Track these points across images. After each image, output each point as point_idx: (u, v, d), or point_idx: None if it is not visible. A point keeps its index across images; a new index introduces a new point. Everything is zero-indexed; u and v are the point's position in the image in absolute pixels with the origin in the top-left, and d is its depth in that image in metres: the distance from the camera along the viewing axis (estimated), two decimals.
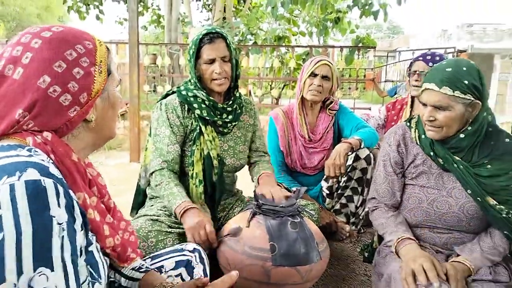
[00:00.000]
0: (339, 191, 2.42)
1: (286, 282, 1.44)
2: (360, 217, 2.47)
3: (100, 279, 0.87)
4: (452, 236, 1.53)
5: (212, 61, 1.84)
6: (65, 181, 0.79)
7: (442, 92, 1.39)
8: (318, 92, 2.37)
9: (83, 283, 0.80)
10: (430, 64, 2.49)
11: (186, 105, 1.91)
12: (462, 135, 1.45)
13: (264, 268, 1.42)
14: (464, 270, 1.38)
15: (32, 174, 0.71)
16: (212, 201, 1.93)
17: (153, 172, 1.83)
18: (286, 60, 8.53)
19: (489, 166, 1.44)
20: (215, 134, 1.92)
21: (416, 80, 2.56)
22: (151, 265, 1.20)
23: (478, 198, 1.42)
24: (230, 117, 1.94)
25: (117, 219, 1.02)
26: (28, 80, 0.80)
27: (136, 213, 1.98)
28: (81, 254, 0.81)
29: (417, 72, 2.56)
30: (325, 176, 2.38)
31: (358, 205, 2.39)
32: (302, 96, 2.44)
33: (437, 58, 2.51)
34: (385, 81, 12.53)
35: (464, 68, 1.39)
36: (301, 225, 1.54)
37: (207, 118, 1.88)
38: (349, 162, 2.30)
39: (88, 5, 11.72)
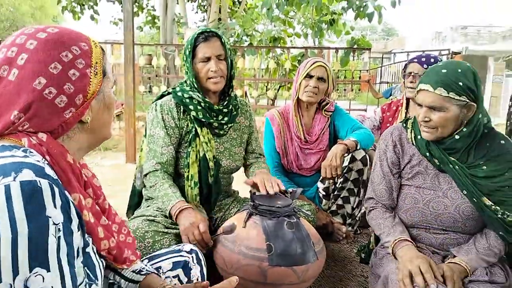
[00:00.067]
0: (335, 192, 2.42)
1: (282, 282, 1.44)
2: (357, 218, 2.48)
3: (97, 280, 0.86)
4: (448, 236, 1.54)
5: (207, 59, 1.84)
6: (60, 182, 0.79)
7: (437, 93, 1.40)
8: (314, 93, 2.37)
9: (80, 284, 0.79)
10: (425, 66, 2.51)
11: (181, 107, 1.91)
12: (457, 137, 1.46)
13: (261, 268, 1.42)
14: (460, 271, 1.39)
15: (27, 174, 0.71)
16: (208, 203, 1.92)
17: (147, 174, 1.83)
18: (281, 61, 8.53)
19: (485, 167, 1.45)
20: (211, 136, 1.92)
21: (411, 82, 2.58)
22: (149, 266, 1.20)
23: (474, 199, 1.43)
24: (226, 118, 1.94)
25: (112, 220, 1.01)
26: (23, 81, 0.80)
27: (132, 214, 1.98)
28: (78, 255, 0.80)
29: (412, 74, 2.57)
30: (321, 177, 2.38)
31: (354, 206, 2.39)
32: (298, 97, 2.44)
33: (432, 60, 2.53)
34: (380, 83, 12.60)
35: (460, 70, 1.40)
36: (298, 225, 1.54)
37: (203, 120, 1.88)
38: (345, 163, 2.31)
39: (83, 5, 11.69)
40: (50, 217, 0.71)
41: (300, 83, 2.40)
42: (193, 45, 1.85)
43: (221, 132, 1.96)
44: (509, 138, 1.52)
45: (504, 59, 16.81)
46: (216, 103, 1.96)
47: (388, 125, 2.80)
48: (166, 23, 11.72)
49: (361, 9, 7.64)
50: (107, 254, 0.95)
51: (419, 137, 1.56)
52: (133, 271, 1.11)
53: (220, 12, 10.66)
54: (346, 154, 2.24)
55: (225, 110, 1.94)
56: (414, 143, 1.59)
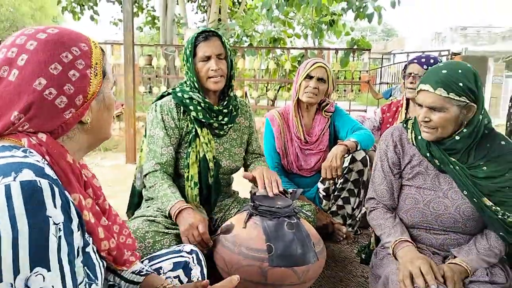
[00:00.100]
0: (335, 193, 2.42)
1: (283, 283, 1.44)
2: (357, 219, 2.47)
3: (97, 280, 0.86)
4: (448, 237, 1.54)
5: (207, 58, 1.84)
6: (60, 182, 0.79)
7: (437, 93, 1.40)
8: (314, 94, 2.37)
9: (80, 284, 0.80)
10: (425, 66, 2.51)
11: (181, 107, 1.91)
12: (457, 137, 1.46)
13: (261, 268, 1.42)
14: (461, 272, 1.39)
15: (27, 174, 0.71)
16: (208, 203, 1.92)
17: (146, 174, 1.83)
18: (281, 62, 8.53)
19: (485, 167, 1.45)
20: (211, 136, 1.92)
21: (411, 83, 2.58)
22: (149, 266, 1.20)
23: (474, 199, 1.43)
24: (226, 119, 1.94)
25: (112, 221, 1.01)
26: (23, 82, 0.80)
27: (132, 214, 1.98)
28: (78, 255, 0.80)
29: (412, 75, 2.57)
30: (321, 178, 2.38)
31: (354, 207, 2.39)
32: (298, 98, 2.44)
33: (432, 61, 2.53)
34: (380, 83, 12.61)
35: (460, 71, 1.40)
36: (298, 226, 1.54)
37: (203, 120, 1.88)
38: (346, 164, 2.31)
39: (83, 5, 11.70)
40: (51, 217, 0.71)
41: (300, 84, 2.40)
42: (193, 45, 1.85)
43: (221, 133, 1.96)
44: (509, 139, 1.52)
45: (504, 60, 16.82)
46: (216, 104, 1.96)
47: (388, 125, 2.80)
48: (166, 24, 11.73)
49: (361, 9, 7.65)
50: (107, 255, 0.95)
51: (419, 137, 1.56)
52: (133, 272, 1.11)
53: (220, 12, 10.67)
54: (346, 155, 2.24)
55: (225, 110, 1.94)
56: (415, 144, 1.59)
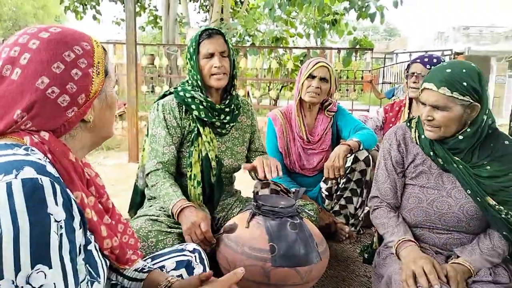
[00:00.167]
0: (338, 193, 2.42)
1: (285, 283, 1.43)
2: (360, 218, 2.47)
3: (99, 278, 0.86)
4: (451, 236, 1.53)
5: (211, 56, 1.85)
6: (62, 180, 0.79)
7: (441, 92, 1.40)
8: (316, 94, 2.37)
9: (82, 282, 0.80)
10: (428, 66, 2.51)
11: (183, 106, 1.91)
12: (460, 137, 1.45)
13: (264, 269, 1.41)
14: (464, 272, 1.38)
15: (29, 172, 0.71)
16: (211, 202, 1.92)
17: (148, 173, 1.83)
18: (283, 61, 8.55)
19: (488, 167, 1.44)
20: (213, 135, 1.92)
21: (414, 82, 2.57)
22: (152, 265, 1.20)
23: (478, 198, 1.43)
24: (228, 118, 1.94)
25: (117, 220, 1.01)
26: (26, 81, 0.80)
27: (135, 213, 1.98)
28: (79, 253, 0.80)
29: (415, 74, 2.56)
30: (324, 178, 2.38)
31: (357, 207, 2.39)
32: (300, 97, 2.43)
33: (435, 60, 2.52)
34: (382, 83, 12.57)
35: (464, 70, 1.40)
36: (301, 226, 1.53)
37: (205, 119, 1.88)
38: (348, 164, 2.30)
39: (85, 5, 11.72)
40: (52, 214, 0.71)
41: (302, 84, 2.40)
42: (197, 42, 1.86)
43: (223, 132, 1.96)
44: None
45: (506, 60, 16.77)
46: (218, 102, 1.96)
47: (390, 125, 2.80)
48: (168, 23, 11.74)
49: (363, 9, 7.64)
50: (109, 253, 0.95)
51: (423, 136, 1.55)
52: (135, 270, 1.11)
53: (222, 12, 10.67)
54: (349, 155, 2.24)
55: (227, 109, 1.94)
56: (418, 143, 1.58)
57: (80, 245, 0.81)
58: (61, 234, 0.72)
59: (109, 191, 1.03)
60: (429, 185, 1.54)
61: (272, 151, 2.50)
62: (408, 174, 1.61)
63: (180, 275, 1.20)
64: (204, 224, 1.57)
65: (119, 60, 8.39)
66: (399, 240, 1.49)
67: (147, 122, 2.00)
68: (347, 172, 2.31)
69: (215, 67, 1.84)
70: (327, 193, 2.47)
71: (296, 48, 8.55)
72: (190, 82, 1.93)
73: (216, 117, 1.91)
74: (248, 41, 8.83)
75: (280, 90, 9.00)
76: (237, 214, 1.85)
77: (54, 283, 0.70)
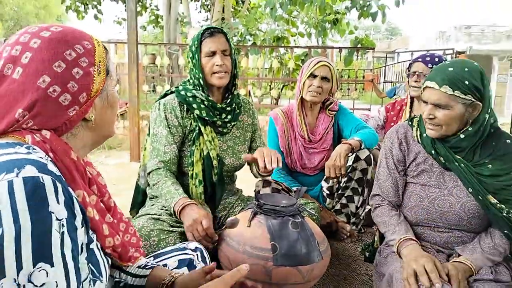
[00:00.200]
0: (339, 192, 2.42)
1: (287, 282, 1.43)
2: (361, 217, 2.47)
3: (101, 277, 0.86)
4: (452, 235, 1.53)
5: (213, 54, 1.85)
6: (63, 179, 0.79)
7: (442, 90, 1.40)
8: (318, 93, 2.37)
9: (84, 280, 0.80)
10: (429, 65, 2.50)
11: (185, 105, 1.91)
12: (462, 136, 1.45)
13: (265, 268, 1.41)
14: (465, 270, 1.38)
15: (30, 170, 0.71)
16: (213, 201, 1.92)
17: (150, 172, 1.83)
18: (285, 60, 8.54)
19: (490, 165, 1.44)
20: (214, 134, 1.92)
21: (416, 81, 2.57)
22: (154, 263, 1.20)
23: (479, 197, 1.43)
24: (229, 117, 1.95)
25: (118, 219, 1.01)
26: (27, 79, 0.80)
27: (137, 212, 1.98)
28: (82, 251, 0.80)
29: (417, 73, 2.56)
30: (325, 177, 2.38)
31: (358, 205, 2.39)
32: (302, 97, 2.43)
33: (436, 59, 2.52)
34: (384, 82, 12.56)
35: (466, 69, 1.40)
36: (302, 225, 1.53)
37: (206, 118, 1.88)
38: (349, 162, 2.30)
39: (87, 4, 11.72)
40: (53, 213, 0.71)
41: (303, 83, 2.39)
42: (199, 41, 1.87)
43: (225, 131, 1.96)
44: None
45: (508, 59, 16.74)
46: (219, 101, 1.96)
47: (392, 124, 2.79)
48: (169, 23, 11.73)
49: (365, 8, 7.64)
50: (112, 251, 0.95)
51: (424, 135, 1.55)
52: (138, 267, 1.11)
53: (223, 11, 10.66)
54: (350, 154, 2.24)
55: (228, 108, 1.94)
56: (420, 141, 1.58)
57: (82, 244, 0.81)
58: (62, 233, 0.72)
59: (111, 191, 1.04)
60: (430, 183, 1.54)
61: None
62: (410, 172, 1.61)
63: (182, 274, 1.20)
64: (205, 221, 1.57)
65: (120, 60, 8.41)
66: (400, 239, 1.49)
67: (149, 121, 2.01)
68: (349, 171, 2.31)
69: (217, 65, 1.84)
70: (328, 192, 2.47)
71: (298, 47, 8.54)
72: (191, 81, 1.93)
73: (218, 116, 1.91)
74: (249, 40, 8.82)
75: (281, 90, 9.00)
76: (238, 213, 1.85)
77: (56, 282, 0.70)
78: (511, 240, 1.43)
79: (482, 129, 1.43)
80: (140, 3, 12.73)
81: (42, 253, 0.69)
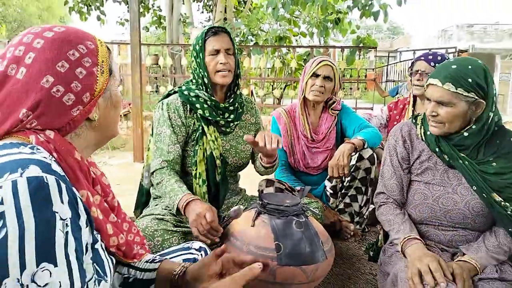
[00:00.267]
0: (343, 191, 2.41)
1: (291, 282, 1.43)
2: (364, 216, 2.46)
3: (106, 277, 0.86)
4: (457, 233, 1.52)
5: (216, 52, 1.86)
6: (67, 179, 0.79)
7: (445, 88, 1.40)
8: (320, 92, 2.36)
9: (89, 280, 0.80)
10: (432, 63, 2.50)
11: (188, 105, 1.92)
12: (465, 134, 1.45)
13: (270, 267, 1.41)
14: (470, 270, 1.38)
15: (34, 170, 0.71)
16: (216, 201, 1.92)
17: (153, 172, 1.84)
18: (287, 60, 8.52)
19: (494, 163, 1.44)
20: (217, 134, 1.92)
21: (418, 80, 2.56)
22: None
23: (484, 194, 1.42)
24: (232, 116, 1.95)
25: (122, 219, 1.01)
26: (31, 80, 0.81)
27: (140, 212, 1.99)
28: (86, 251, 0.80)
29: (419, 72, 2.55)
30: (328, 176, 2.37)
31: (362, 205, 2.38)
32: (304, 96, 2.43)
33: (439, 58, 2.51)
34: (386, 81, 12.55)
35: (470, 67, 1.39)
36: (306, 224, 1.53)
37: (209, 118, 1.88)
38: (353, 162, 2.30)
39: (90, 5, 11.75)
40: (57, 212, 0.71)
41: (306, 82, 2.39)
42: (203, 40, 1.87)
43: (228, 130, 1.97)
44: None
45: (511, 57, 16.68)
46: (222, 101, 1.96)
47: (395, 123, 2.79)
48: (172, 23, 11.76)
49: (367, 7, 7.62)
50: (116, 250, 0.95)
51: (428, 132, 1.55)
52: (147, 261, 1.11)
53: (225, 11, 10.67)
54: (353, 153, 2.23)
55: (231, 108, 1.94)
56: (424, 139, 1.58)
57: (87, 244, 0.81)
58: (66, 232, 0.72)
59: (115, 191, 1.04)
60: (434, 181, 1.54)
61: None
62: (414, 170, 1.60)
63: (192, 264, 1.20)
64: (209, 215, 1.56)
65: (123, 61, 8.41)
66: (405, 238, 1.49)
67: (152, 121, 2.01)
68: (352, 170, 2.30)
69: (221, 63, 1.85)
70: (331, 192, 2.47)
71: (300, 47, 8.52)
72: (194, 80, 1.93)
73: (221, 116, 1.91)
74: (251, 40, 8.82)
75: (284, 89, 8.99)
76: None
77: (60, 281, 0.70)
78: None
79: (486, 127, 1.43)
80: (142, 4, 12.75)
81: (45, 253, 0.68)
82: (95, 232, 0.86)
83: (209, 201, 1.89)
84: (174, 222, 1.71)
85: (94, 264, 0.83)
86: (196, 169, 1.86)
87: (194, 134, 1.90)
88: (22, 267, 0.66)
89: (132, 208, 2.10)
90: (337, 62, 7.23)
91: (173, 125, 1.88)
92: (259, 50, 7.26)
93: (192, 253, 1.26)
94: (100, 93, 0.89)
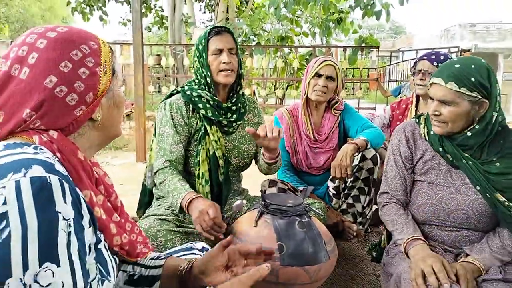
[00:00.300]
0: (345, 191, 2.41)
1: (294, 282, 1.43)
2: (367, 217, 2.45)
3: (109, 277, 0.86)
4: (460, 234, 1.52)
5: (219, 52, 1.86)
6: (70, 179, 0.79)
7: (448, 87, 1.39)
8: (323, 92, 2.36)
9: (92, 280, 0.80)
10: (435, 63, 2.49)
11: (190, 105, 1.92)
12: (469, 133, 1.44)
13: (272, 268, 1.41)
14: (474, 270, 1.37)
15: (37, 170, 0.71)
16: (219, 201, 1.92)
17: (156, 171, 1.84)
18: (289, 60, 8.53)
19: (498, 163, 1.43)
20: (220, 133, 1.92)
21: (421, 79, 2.55)
22: None
23: (487, 194, 1.41)
24: (234, 116, 1.95)
25: (125, 219, 1.01)
26: (34, 80, 0.81)
27: (143, 213, 1.99)
28: (90, 252, 0.80)
29: (422, 71, 2.54)
30: (331, 177, 2.37)
31: (365, 205, 2.37)
32: (307, 96, 2.42)
33: (442, 57, 2.50)
34: (388, 81, 12.52)
35: (473, 66, 1.39)
36: (309, 224, 1.52)
37: (212, 118, 1.88)
38: (356, 162, 2.29)
39: (92, 6, 11.78)
40: (60, 212, 0.71)
41: (309, 82, 2.39)
42: (206, 39, 1.87)
43: (230, 130, 1.97)
44: None
45: None
46: (225, 101, 1.96)
47: (398, 123, 2.78)
48: (174, 23, 11.77)
49: (369, 7, 7.62)
50: (119, 249, 0.95)
51: (432, 132, 1.54)
52: (152, 259, 1.11)
53: (227, 11, 10.68)
54: (356, 153, 2.23)
55: (233, 107, 1.94)
56: (427, 139, 1.57)
57: (90, 244, 0.81)
58: (69, 233, 0.72)
59: (117, 191, 1.04)
60: (438, 181, 1.53)
61: None
62: (417, 170, 1.60)
63: (197, 259, 1.20)
64: (212, 210, 1.56)
65: (126, 61, 8.44)
66: (408, 238, 1.48)
67: (154, 121, 2.01)
68: (355, 170, 2.30)
69: (224, 62, 1.85)
70: (334, 192, 2.46)
71: (302, 47, 8.52)
72: (197, 80, 1.93)
73: (223, 116, 1.91)
74: (253, 40, 8.83)
75: (286, 89, 8.98)
76: (245, 213, 1.85)
77: (62, 282, 0.70)
78: None
79: (490, 127, 1.42)
80: (145, 4, 12.77)
81: (48, 253, 0.68)
82: (98, 232, 0.86)
83: (212, 201, 1.89)
84: (176, 223, 1.71)
85: (98, 264, 0.83)
86: (199, 169, 1.86)
87: (197, 134, 1.90)
88: (25, 267, 0.66)
89: (135, 208, 2.10)
90: (339, 61, 7.21)
91: (176, 125, 1.88)
92: (261, 50, 7.27)
93: (195, 253, 1.26)
94: (103, 93, 0.89)
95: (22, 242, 0.66)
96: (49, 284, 0.68)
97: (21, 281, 0.66)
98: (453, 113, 1.41)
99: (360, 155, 2.28)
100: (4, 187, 0.68)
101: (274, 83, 10.28)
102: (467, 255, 1.45)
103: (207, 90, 1.90)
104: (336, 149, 2.46)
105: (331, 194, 2.48)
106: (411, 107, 2.77)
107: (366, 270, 2.16)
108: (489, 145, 1.46)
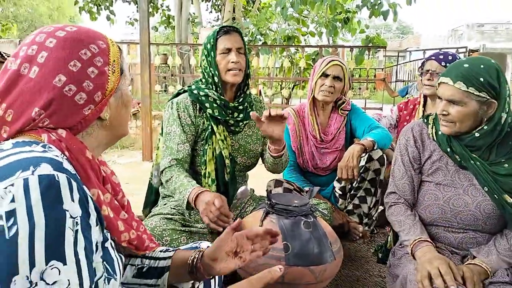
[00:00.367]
0: (352, 192, 2.40)
1: (299, 282, 1.43)
2: (373, 218, 2.44)
3: (116, 275, 0.87)
4: (467, 235, 1.51)
5: (228, 51, 1.87)
6: (78, 177, 0.80)
7: (456, 86, 1.38)
8: (330, 92, 2.35)
9: (99, 279, 0.80)
10: (443, 63, 2.47)
11: (197, 104, 1.92)
12: (477, 134, 1.43)
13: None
14: (481, 273, 1.36)
15: (45, 168, 0.72)
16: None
17: (163, 170, 1.84)
18: (296, 60, 8.51)
19: (506, 165, 1.42)
20: (226, 133, 1.93)
21: (429, 79, 2.54)
22: None
23: (495, 196, 1.40)
24: (241, 116, 1.95)
25: (131, 217, 1.02)
26: (44, 79, 0.81)
27: (149, 211, 1.99)
28: (97, 250, 0.81)
29: (430, 71, 2.53)
30: (337, 177, 2.36)
31: (371, 206, 2.36)
32: (314, 96, 2.42)
33: (450, 58, 2.49)
34: (395, 81, 12.46)
35: (482, 66, 1.38)
36: (315, 225, 1.52)
37: (218, 117, 1.89)
38: (362, 163, 2.28)
39: (99, 5, 11.84)
40: (67, 210, 0.71)
41: (315, 82, 2.38)
42: (215, 38, 1.88)
43: (237, 129, 1.97)
44: None
45: None
46: (232, 100, 1.96)
47: (405, 123, 2.76)
48: (181, 23, 11.80)
49: (376, 7, 7.59)
50: (128, 244, 0.96)
51: (440, 132, 1.53)
52: (161, 251, 1.12)
53: (234, 11, 10.70)
54: (363, 154, 2.22)
55: (240, 107, 1.95)
56: (435, 139, 1.56)
57: (97, 242, 0.81)
58: (76, 231, 0.72)
59: (123, 190, 1.04)
60: (445, 182, 1.52)
61: None
62: (425, 171, 1.59)
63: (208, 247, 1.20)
64: (217, 201, 1.56)
65: (132, 60, 8.47)
66: (415, 240, 1.48)
67: (161, 121, 2.02)
68: (361, 171, 2.29)
69: (232, 62, 1.85)
70: (340, 193, 2.45)
71: (308, 46, 8.51)
72: (204, 80, 1.94)
73: (230, 115, 1.92)
74: (260, 40, 8.82)
75: (292, 89, 8.96)
76: (250, 213, 1.85)
77: (68, 280, 0.70)
78: None
79: (499, 128, 1.41)
80: (151, 4, 12.82)
81: (55, 251, 0.69)
82: (105, 231, 0.86)
83: None
84: (182, 222, 1.72)
85: (104, 262, 0.83)
86: (205, 169, 1.87)
87: (204, 133, 1.91)
88: (32, 264, 0.67)
89: (141, 207, 2.11)
90: (346, 61, 7.20)
91: (183, 124, 1.88)
92: (267, 49, 7.26)
93: None
94: (111, 93, 0.90)
95: (29, 239, 0.67)
96: (55, 282, 0.68)
97: (27, 279, 0.66)
98: (461, 113, 1.40)
99: (367, 155, 2.27)
100: (12, 184, 0.69)
101: (280, 83, 10.26)
102: (474, 257, 1.44)
103: (214, 89, 1.90)
104: (342, 149, 2.45)
105: (337, 194, 2.47)
106: (419, 107, 2.75)
107: (372, 272, 2.15)
108: (497, 146, 1.45)
